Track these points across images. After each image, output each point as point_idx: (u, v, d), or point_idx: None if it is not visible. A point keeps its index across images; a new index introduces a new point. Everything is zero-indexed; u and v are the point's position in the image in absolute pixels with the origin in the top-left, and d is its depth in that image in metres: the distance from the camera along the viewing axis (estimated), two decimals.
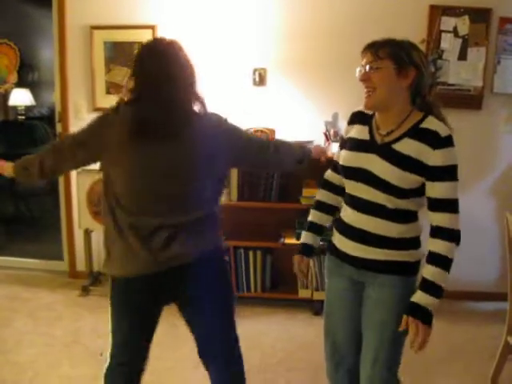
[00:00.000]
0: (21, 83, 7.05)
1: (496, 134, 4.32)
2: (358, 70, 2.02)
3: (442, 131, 1.90)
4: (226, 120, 2.21)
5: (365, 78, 1.98)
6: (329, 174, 2.35)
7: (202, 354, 2.29)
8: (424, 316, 1.90)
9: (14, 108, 7.81)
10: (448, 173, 1.91)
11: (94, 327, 3.80)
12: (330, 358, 2.33)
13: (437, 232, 1.94)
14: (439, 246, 1.92)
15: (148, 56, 2.04)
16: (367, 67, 1.97)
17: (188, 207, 2.10)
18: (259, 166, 2.74)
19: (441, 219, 1.93)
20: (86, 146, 2.10)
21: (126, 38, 4.28)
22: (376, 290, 2.07)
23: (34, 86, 7.83)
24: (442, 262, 1.91)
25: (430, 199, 1.95)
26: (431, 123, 1.94)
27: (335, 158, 2.29)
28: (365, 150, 2.05)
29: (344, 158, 2.13)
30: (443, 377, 3.27)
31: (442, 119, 1.98)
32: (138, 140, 1.98)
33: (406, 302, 1.96)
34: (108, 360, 2.24)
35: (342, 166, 2.13)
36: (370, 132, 2.08)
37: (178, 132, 2.02)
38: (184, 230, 2.08)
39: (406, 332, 1.94)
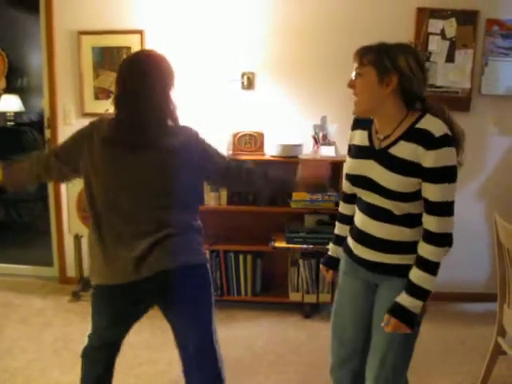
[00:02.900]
0: (10, 89, 7.02)
1: (484, 136, 4.34)
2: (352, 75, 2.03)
3: (436, 130, 1.85)
4: (198, 134, 2.24)
5: (350, 85, 1.99)
6: (344, 184, 2.31)
7: (181, 352, 2.29)
8: (405, 317, 1.93)
9: (3, 114, 7.74)
10: (440, 175, 1.86)
11: (84, 333, 3.68)
12: (335, 354, 2.32)
13: (425, 235, 1.94)
14: (426, 250, 1.93)
15: (125, 74, 2.13)
16: (353, 73, 1.98)
17: (164, 219, 2.13)
18: (225, 185, 2.75)
19: (429, 223, 1.92)
20: (67, 163, 2.20)
21: (114, 43, 4.28)
22: (387, 292, 2.07)
23: (23, 92, 7.79)
24: (429, 266, 1.92)
25: (424, 200, 1.93)
26: (426, 123, 1.89)
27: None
28: (365, 157, 2.06)
29: (348, 165, 2.18)
30: (434, 377, 3.27)
31: (446, 120, 1.92)
32: (112, 152, 2.09)
33: None
34: (86, 340, 2.38)
35: (347, 174, 2.17)
36: (369, 137, 2.08)
37: (152, 143, 2.10)
38: (161, 241, 2.11)
39: (415, 335, 2.05)
